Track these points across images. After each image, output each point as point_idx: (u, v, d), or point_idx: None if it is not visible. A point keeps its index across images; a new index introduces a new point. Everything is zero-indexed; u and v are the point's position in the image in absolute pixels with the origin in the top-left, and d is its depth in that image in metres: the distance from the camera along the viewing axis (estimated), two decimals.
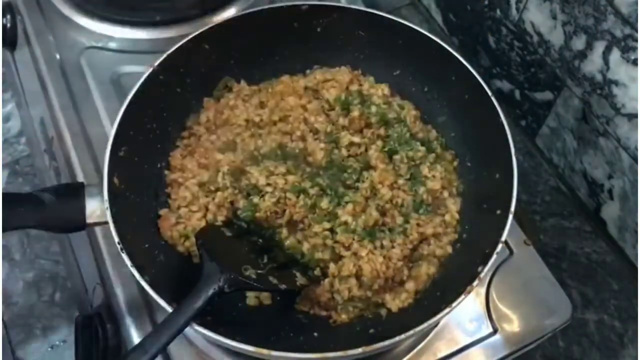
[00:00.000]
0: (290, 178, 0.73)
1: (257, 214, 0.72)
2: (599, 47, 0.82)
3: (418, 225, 0.74)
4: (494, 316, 0.76)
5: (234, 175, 0.75)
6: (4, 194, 0.65)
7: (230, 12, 0.99)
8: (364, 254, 0.70)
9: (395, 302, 0.70)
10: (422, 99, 0.86)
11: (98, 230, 0.78)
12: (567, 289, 0.86)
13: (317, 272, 0.70)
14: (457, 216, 0.76)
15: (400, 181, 0.77)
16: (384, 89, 0.84)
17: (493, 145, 0.74)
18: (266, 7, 0.82)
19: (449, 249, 0.74)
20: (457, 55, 0.78)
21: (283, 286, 0.66)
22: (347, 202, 0.73)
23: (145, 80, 0.74)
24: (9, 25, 1.01)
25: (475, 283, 0.62)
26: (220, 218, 0.73)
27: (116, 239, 0.63)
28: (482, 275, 0.63)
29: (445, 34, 1.15)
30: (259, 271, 0.65)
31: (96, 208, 0.67)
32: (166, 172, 0.77)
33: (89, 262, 0.83)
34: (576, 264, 0.91)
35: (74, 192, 0.68)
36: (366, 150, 0.79)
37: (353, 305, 0.70)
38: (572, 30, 0.85)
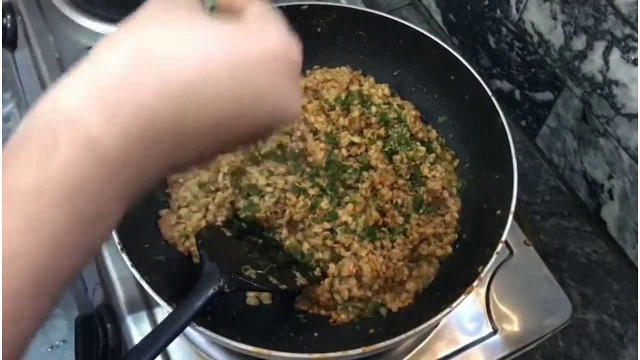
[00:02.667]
0: (290, 178, 0.73)
1: (257, 214, 0.72)
2: (599, 47, 0.82)
3: (418, 225, 0.74)
4: (494, 316, 0.76)
5: (234, 176, 0.75)
6: None
7: None
8: (364, 254, 0.70)
9: (395, 302, 0.70)
10: (422, 99, 0.86)
11: None
12: (567, 289, 0.86)
13: (317, 272, 0.70)
14: (457, 216, 0.76)
15: (401, 181, 0.77)
16: (384, 89, 0.84)
17: (493, 145, 0.74)
18: None
19: (449, 249, 0.74)
20: (457, 55, 0.78)
21: (283, 286, 0.66)
22: (347, 202, 0.73)
23: None
24: (9, 25, 1.01)
25: (475, 283, 0.62)
26: (220, 218, 0.73)
27: (116, 239, 0.63)
28: (482, 275, 0.63)
29: (445, 34, 1.15)
30: (259, 271, 0.65)
31: None
32: None
33: (89, 262, 0.83)
34: (576, 264, 0.91)
35: None
36: (366, 150, 0.79)
37: (353, 305, 0.70)
38: (572, 30, 0.85)
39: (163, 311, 0.59)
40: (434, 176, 0.78)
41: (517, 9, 0.94)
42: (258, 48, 0.35)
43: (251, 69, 0.34)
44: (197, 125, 0.33)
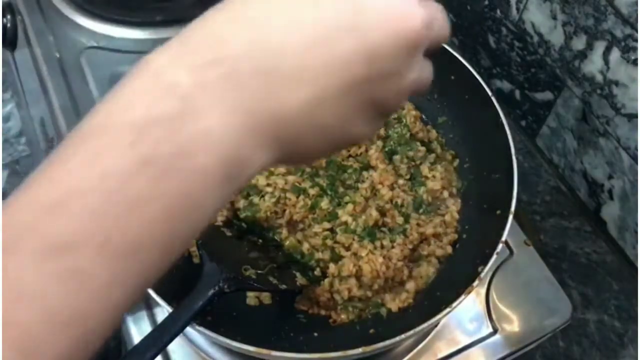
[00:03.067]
0: (290, 178, 0.73)
1: (257, 214, 0.72)
2: (599, 47, 0.82)
3: (418, 225, 0.74)
4: (494, 316, 0.76)
5: None
6: (4, 195, 0.65)
7: None
8: (364, 254, 0.70)
9: (395, 302, 0.70)
10: (422, 99, 0.86)
11: None
12: (567, 289, 0.86)
13: (317, 272, 0.70)
14: (457, 216, 0.76)
15: (400, 181, 0.77)
16: None
17: (493, 145, 0.74)
18: None
19: (449, 249, 0.74)
20: (457, 55, 0.78)
21: (283, 286, 0.66)
22: (347, 202, 0.73)
23: None
24: (9, 25, 1.01)
25: (475, 283, 0.62)
26: (220, 218, 0.73)
27: None
28: (482, 275, 0.63)
29: None
30: (259, 271, 0.65)
31: None
32: None
33: None
34: (576, 264, 0.91)
35: None
36: (366, 150, 0.79)
37: (353, 305, 0.70)
38: (572, 30, 0.85)
39: (163, 311, 0.59)
40: (433, 176, 0.78)
41: (517, 9, 0.94)
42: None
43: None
44: (281, 48, 0.28)
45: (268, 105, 0.28)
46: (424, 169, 0.78)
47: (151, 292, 0.60)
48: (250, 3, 0.30)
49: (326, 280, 0.70)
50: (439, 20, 0.34)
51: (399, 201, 0.75)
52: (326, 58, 0.29)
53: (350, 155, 0.79)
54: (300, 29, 0.28)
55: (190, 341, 0.73)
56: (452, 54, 0.79)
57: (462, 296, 0.61)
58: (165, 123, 0.26)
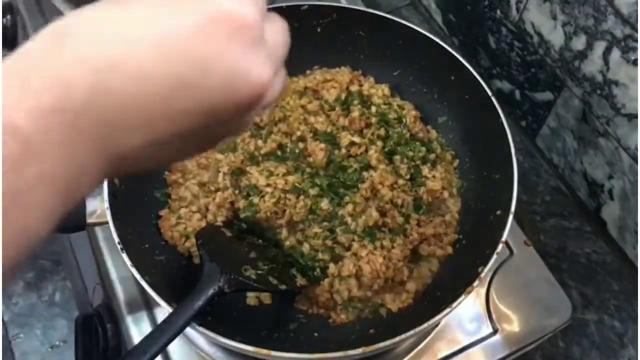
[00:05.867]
0: (290, 178, 0.73)
1: (257, 215, 0.72)
2: (599, 47, 0.82)
3: (418, 225, 0.74)
4: (494, 316, 0.76)
5: (234, 176, 0.75)
6: None
7: None
8: (364, 255, 0.70)
9: (395, 302, 0.70)
10: (422, 99, 0.86)
11: (98, 230, 0.78)
12: (567, 289, 0.86)
13: (317, 272, 0.70)
14: (457, 216, 0.76)
15: (401, 181, 0.77)
16: (384, 89, 0.84)
17: (493, 145, 0.74)
18: (266, 7, 0.82)
19: (449, 249, 0.74)
20: (457, 55, 0.78)
21: (283, 286, 0.66)
22: (347, 203, 0.73)
23: None
24: (9, 25, 1.01)
25: (475, 283, 0.62)
26: (220, 218, 0.73)
27: (116, 239, 0.63)
28: (482, 275, 0.63)
29: (445, 34, 1.15)
30: (259, 271, 0.65)
31: (96, 208, 0.67)
32: (166, 172, 0.77)
33: (89, 262, 0.83)
34: (576, 264, 0.91)
35: None
36: (366, 150, 0.79)
37: (353, 306, 0.70)
38: (572, 30, 0.85)
39: (163, 311, 0.59)
40: (434, 176, 0.78)
41: (517, 9, 0.94)
42: (191, 15, 0.31)
43: (181, 39, 0.31)
44: (124, 101, 0.30)
45: (106, 150, 0.30)
46: (424, 169, 0.78)
47: (151, 292, 0.60)
48: (78, 17, 0.31)
49: (326, 281, 0.70)
50: (279, 82, 0.35)
51: (399, 201, 0.75)
52: (167, 111, 0.31)
53: (350, 156, 0.79)
54: (144, 83, 0.30)
55: (190, 341, 0.73)
56: (452, 54, 0.79)
57: (462, 296, 0.61)
58: (7, 162, 0.27)
